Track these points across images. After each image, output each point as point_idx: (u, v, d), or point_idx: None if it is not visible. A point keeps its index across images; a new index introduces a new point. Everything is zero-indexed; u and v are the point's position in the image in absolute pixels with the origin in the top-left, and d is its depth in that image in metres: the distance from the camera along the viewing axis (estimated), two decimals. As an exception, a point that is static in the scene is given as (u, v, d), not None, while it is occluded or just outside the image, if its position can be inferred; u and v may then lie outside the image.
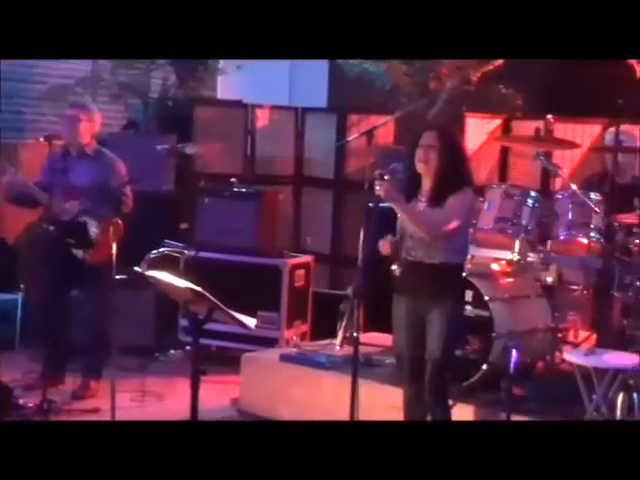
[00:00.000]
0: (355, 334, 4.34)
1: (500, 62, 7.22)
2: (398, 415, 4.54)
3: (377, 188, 4.18)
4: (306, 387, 5.46)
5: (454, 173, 4.31)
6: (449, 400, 4.52)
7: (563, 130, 6.65)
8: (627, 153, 5.71)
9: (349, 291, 5.85)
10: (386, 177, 4.19)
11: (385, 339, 5.58)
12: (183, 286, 3.81)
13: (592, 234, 5.31)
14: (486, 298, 5.00)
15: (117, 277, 5.05)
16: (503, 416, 4.60)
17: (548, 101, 7.29)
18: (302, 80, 8.97)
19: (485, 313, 4.99)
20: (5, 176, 5.72)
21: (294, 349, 5.88)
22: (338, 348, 5.72)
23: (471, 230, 5.10)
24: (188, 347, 6.37)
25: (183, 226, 7.23)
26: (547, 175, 6.42)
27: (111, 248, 5.09)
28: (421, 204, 4.37)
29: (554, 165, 5.69)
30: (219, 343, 6.50)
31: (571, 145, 6.03)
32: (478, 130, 7.37)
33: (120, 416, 4.85)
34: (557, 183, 6.16)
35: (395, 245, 4.36)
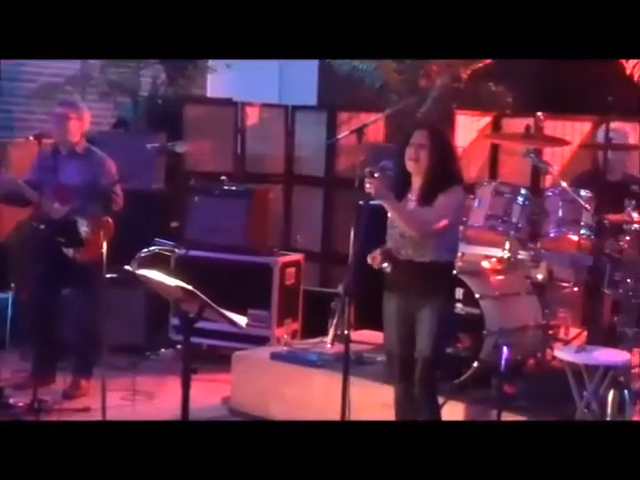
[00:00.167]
0: (346, 332, 4.34)
1: (490, 60, 7.22)
2: (389, 413, 4.54)
3: (367, 186, 4.18)
4: (297, 385, 5.46)
5: (444, 171, 4.31)
6: (440, 398, 4.53)
7: (553, 127, 6.66)
8: (617, 150, 5.71)
9: (340, 289, 5.84)
10: (376, 175, 4.19)
11: (376, 337, 5.57)
12: (174, 285, 3.80)
13: (582, 231, 5.32)
14: (477, 296, 5.00)
15: (108, 276, 5.04)
16: (494, 413, 4.60)
17: (538, 98, 7.30)
18: (292, 78, 8.97)
19: (476, 311, 5.00)
20: (-5, 175, 5.71)
21: (285, 347, 5.88)
22: (329, 346, 5.71)
23: (461, 228, 5.11)
24: (179, 346, 6.36)
25: (173, 225, 7.21)
26: (537, 172, 6.45)
27: (101, 247, 5.08)
28: (411, 202, 4.37)
29: (544, 162, 5.70)
30: (210, 342, 6.50)
31: (561, 142, 6.04)
32: (468, 128, 7.38)
33: (111, 415, 4.85)
34: (547, 180, 6.19)
35: (385, 255, 4.36)
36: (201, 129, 7.85)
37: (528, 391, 4.90)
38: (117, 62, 7.89)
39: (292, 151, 8.19)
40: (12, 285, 6.51)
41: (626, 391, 4.49)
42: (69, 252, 5.68)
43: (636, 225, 5.16)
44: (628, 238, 5.22)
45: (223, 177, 7.08)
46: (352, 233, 5.18)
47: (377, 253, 4.35)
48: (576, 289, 5.61)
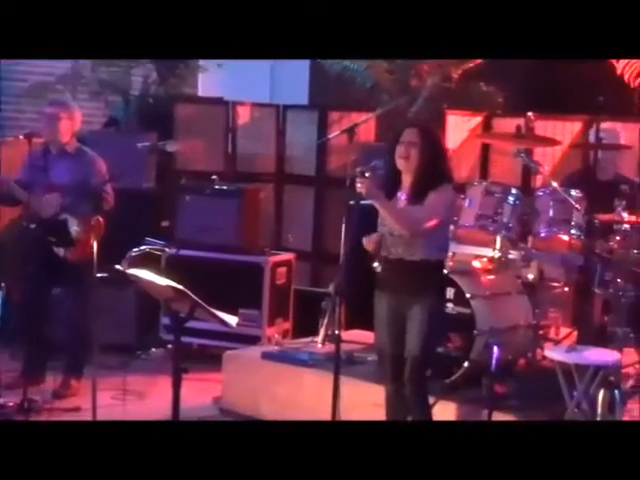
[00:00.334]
0: (337, 332, 4.34)
1: (481, 60, 7.23)
2: (380, 412, 4.54)
3: (358, 185, 4.18)
4: (288, 385, 5.46)
5: (434, 170, 4.32)
6: (431, 397, 4.53)
7: (544, 127, 6.66)
8: (608, 150, 5.73)
9: (330, 289, 5.85)
10: (367, 174, 4.19)
11: (367, 336, 5.57)
12: (164, 284, 3.80)
13: (573, 231, 5.33)
14: (467, 295, 5.01)
15: (98, 275, 5.03)
16: (485, 413, 4.61)
17: (529, 98, 7.31)
18: (283, 77, 8.96)
19: (466, 310, 5.00)
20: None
21: (276, 347, 5.87)
22: (320, 346, 5.72)
23: (452, 227, 5.11)
24: (170, 345, 6.35)
25: (164, 224, 7.20)
26: (528, 172, 6.45)
27: (92, 246, 5.07)
28: (402, 201, 4.38)
29: (535, 162, 5.71)
30: (201, 341, 6.49)
31: (552, 142, 6.05)
32: (459, 127, 7.38)
33: (101, 415, 4.83)
34: (538, 180, 6.18)
35: (380, 241, 4.36)
36: (192, 128, 7.84)
37: (519, 391, 4.90)
38: (108, 61, 7.87)
39: (283, 150, 8.18)
40: (2, 284, 6.49)
41: (616, 391, 4.50)
42: (60, 251, 5.67)
43: (626, 225, 5.17)
44: (618, 238, 5.24)
45: (214, 176, 7.07)
46: (343, 232, 5.17)
47: (372, 238, 4.35)
48: (567, 289, 5.63)
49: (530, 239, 5.39)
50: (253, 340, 6.50)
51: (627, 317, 5.27)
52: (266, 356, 5.68)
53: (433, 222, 4.27)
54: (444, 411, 4.78)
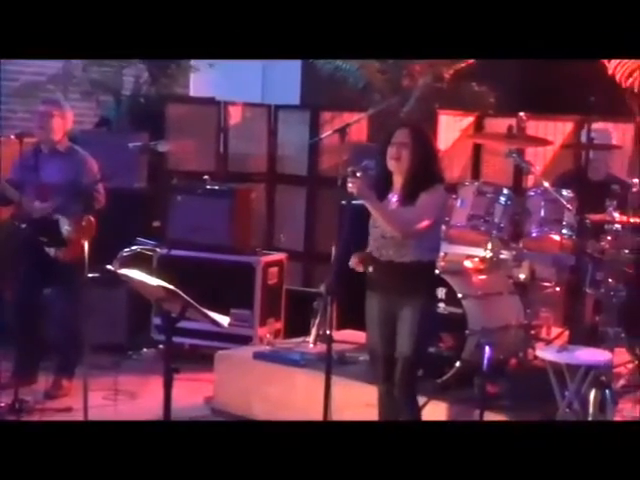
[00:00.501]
0: (328, 332, 4.34)
1: (472, 60, 7.24)
2: (372, 412, 4.54)
3: (349, 185, 4.18)
4: (280, 385, 5.46)
5: (426, 170, 4.31)
6: (423, 397, 4.54)
7: (535, 127, 6.68)
8: (600, 150, 5.74)
9: (322, 288, 5.85)
10: (358, 174, 4.18)
11: (359, 336, 5.57)
12: (155, 284, 3.79)
13: (564, 231, 5.34)
14: (459, 295, 5.01)
15: (89, 275, 5.02)
16: (477, 413, 4.61)
17: (521, 98, 7.33)
18: (275, 77, 8.96)
19: (458, 310, 5.01)
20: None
21: (267, 347, 5.87)
22: (311, 346, 5.72)
23: (444, 227, 5.12)
24: (161, 345, 6.34)
25: (156, 224, 7.19)
26: (520, 172, 6.45)
27: (83, 246, 5.06)
28: (393, 202, 4.37)
29: (526, 162, 5.72)
30: (192, 341, 6.49)
31: (543, 142, 6.06)
32: (451, 127, 7.39)
33: (93, 415, 4.82)
34: (529, 180, 6.19)
35: (363, 259, 4.37)
36: (184, 128, 7.83)
37: (511, 391, 4.91)
38: (99, 61, 7.85)
39: (275, 150, 8.18)
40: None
41: (607, 390, 4.51)
42: (51, 251, 5.66)
43: (617, 225, 5.19)
44: (609, 238, 5.25)
45: (206, 176, 7.07)
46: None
47: (356, 257, 4.36)
48: (558, 289, 5.64)
49: (522, 239, 5.40)
50: (245, 340, 6.49)
51: (618, 317, 5.28)
52: (258, 356, 5.68)
53: (424, 223, 4.26)
54: (435, 411, 4.79)
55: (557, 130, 7.01)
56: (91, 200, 5.70)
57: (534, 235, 5.39)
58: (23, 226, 5.67)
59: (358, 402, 4.91)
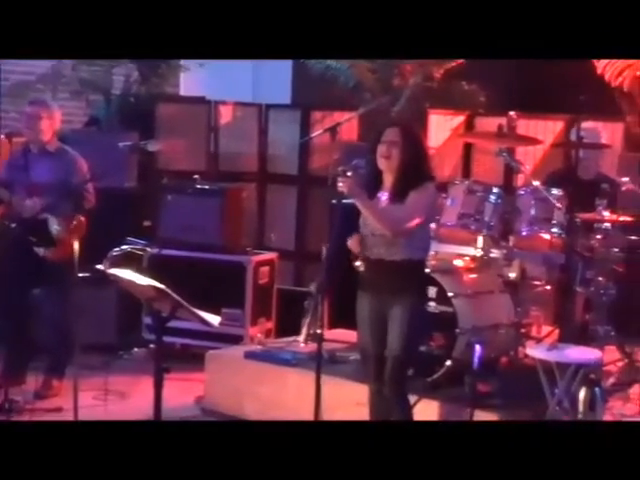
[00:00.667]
0: (319, 331, 4.34)
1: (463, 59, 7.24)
2: (363, 411, 4.54)
3: (340, 184, 4.18)
4: (271, 384, 5.45)
5: (415, 169, 4.32)
6: (414, 396, 4.54)
7: (526, 126, 6.68)
8: (590, 149, 5.75)
9: (312, 288, 5.85)
10: (349, 173, 4.19)
11: (350, 335, 5.57)
12: (145, 284, 3.78)
13: (554, 230, 5.35)
14: (450, 294, 5.02)
15: (80, 275, 5.01)
16: (468, 411, 4.62)
17: (511, 97, 7.33)
18: (266, 76, 8.95)
19: (449, 309, 5.01)
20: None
21: (258, 346, 5.87)
22: (302, 345, 5.72)
23: (434, 226, 5.12)
24: (152, 345, 6.33)
25: (146, 223, 7.18)
26: (510, 171, 6.46)
27: (73, 245, 5.05)
28: (383, 200, 4.38)
29: (517, 161, 5.73)
30: (183, 341, 6.48)
31: (533, 141, 6.07)
32: (441, 127, 7.40)
33: (83, 415, 4.81)
34: (520, 179, 6.21)
35: (362, 240, 4.37)
36: (174, 128, 7.82)
37: (501, 389, 4.91)
38: (89, 60, 7.84)
39: (266, 150, 8.18)
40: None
41: (597, 389, 4.52)
42: (40, 251, 5.64)
43: (607, 224, 5.20)
44: (599, 237, 5.27)
45: (196, 176, 7.06)
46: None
47: (356, 238, 4.35)
48: (548, 287, 5.65)
49: (512, 238, 5.41)
50: (236, 340, 6.49)
51: (608, 315, 5.30)
52: (249, 356, 5.67)
53: (414, 221, 4.26)
54: (427, 409, 4.79)
55: (547, 129, 7.02)
56: (81, 200, 5.68)
57: (524, 234, 5.40)
58: (13, 226, 5.66)
59: (349, 401, 4.91)
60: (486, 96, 7.63)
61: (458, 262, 5.43)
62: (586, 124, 5.79)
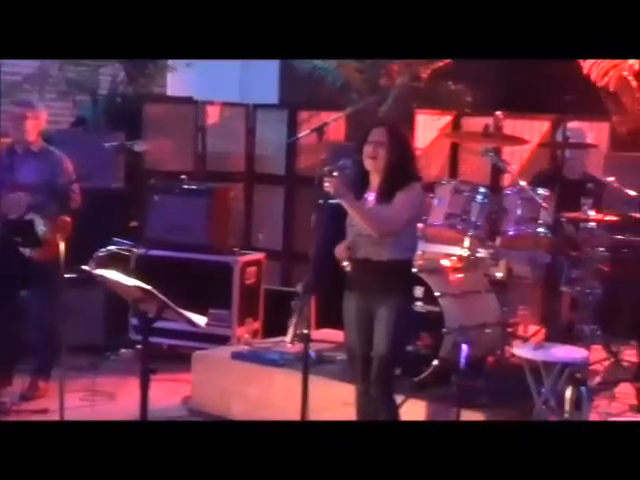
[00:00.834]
0: (305, 331, 4.34)
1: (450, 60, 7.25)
2: (349, 411, 4.54)
3: (326, 185, 4.18)
4: (258, 385, 5.45)
5: (402, 169, 4.32)
6: (401, 396, 4.54)
7: (512, 126, 6.70)
8: (576, 149, 5.77)
9: (299, 288, 5.85)
10: (335, 174, 4.19)
11: (337, 335, 5.57)
12: (131, 284, 3.78)
13: (540, 229, 5.36)
14: (436, 294, 5.03)
15: (66, 276, 4.99)
16: (455, 411, 4.62)
17: (497, 97, 7.35)
18: (253, 76, 8.95)
19: (435, 309, 5.02)
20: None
21: (245, 347, 5.87)
22: (289, 345, 5.72)
23: (421, 226, 5.13)
24: (139, 346, 6.32)
25: (133, 224, 7.17)
26: (497, 171, 6.48)
27: (59, 246, 5.03)
28: (370, 201, 4.38)
29: (503, 161, 5.73)
30: (170, 341, 6.47)
31: (520, 141, 6.07)
32: (428, 127, 7.41)
33: (70, 416, 4.80)
34: (506, 179, 6.22)
35: (350, 247, 4.37)
36: (161, 128, 7.81)
37: (488, 388, 4.92)
38: (76, 60, 7.82)
39: (253, 150, 8.19)
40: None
41: (583, 388, 4.54)
42: (26, 252, 5.63)
43: (592, 223, 5.21)
44: (585, 236, 5.28)
45: (183, 176, 7.05)
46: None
47: (343, 246, 4.35)
48: (535, 287, 5.66)
49: (498, 237, 5.42)
50: (223, 340, 6.48)
51: (594, 314, 5.31)
52: (236, 356, 5.67)
53: (401, 221, 4.27)
54: (413, 409, 4.80)
55: (534, 129, 7.04)
56: (67, 200, 5.67)
57: (511, 233, 5.41)
58: (-2, 226, 5.64)
59: (336, 401, 4.92)
60: (473, 96, 7.64)
61: (445, 262, 5.44)
62: (572, 124, 5.81)
